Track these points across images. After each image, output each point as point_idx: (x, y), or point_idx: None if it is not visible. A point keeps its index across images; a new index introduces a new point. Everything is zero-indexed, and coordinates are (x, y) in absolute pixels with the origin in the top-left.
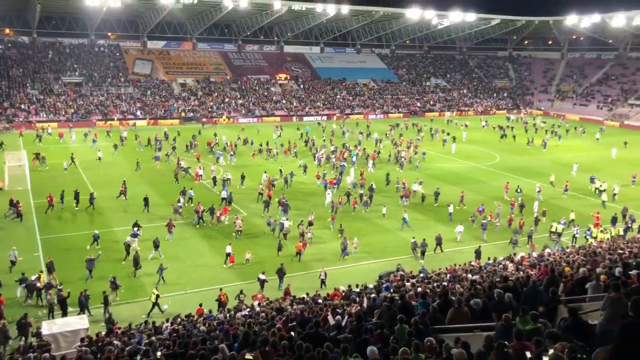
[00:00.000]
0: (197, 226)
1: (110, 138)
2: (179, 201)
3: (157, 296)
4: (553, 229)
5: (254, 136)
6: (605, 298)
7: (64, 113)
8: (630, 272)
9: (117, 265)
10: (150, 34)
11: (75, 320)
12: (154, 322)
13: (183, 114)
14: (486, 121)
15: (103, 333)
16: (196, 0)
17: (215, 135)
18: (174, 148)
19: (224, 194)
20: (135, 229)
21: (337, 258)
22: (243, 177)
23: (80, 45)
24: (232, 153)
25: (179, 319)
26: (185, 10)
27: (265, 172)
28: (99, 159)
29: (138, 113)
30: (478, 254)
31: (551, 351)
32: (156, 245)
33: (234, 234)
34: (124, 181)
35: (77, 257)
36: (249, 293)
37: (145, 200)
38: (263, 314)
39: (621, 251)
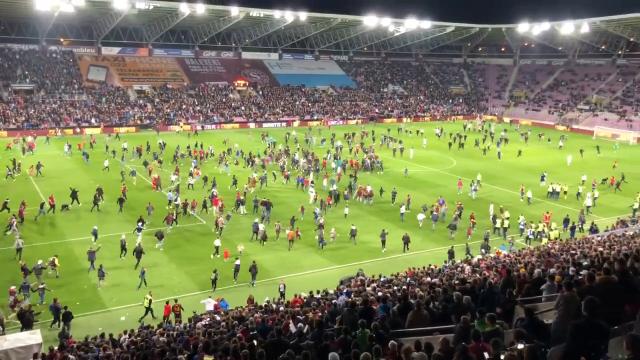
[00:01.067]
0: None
1: (93, 148)
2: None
3: (150, 301)
4: (497, 225)
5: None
6: (559, 297)
7: (14, 121)
8: (581, 272)
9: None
10: (105, 40)
11: (27, 336)
12: (111, 335)
13: (139, 122)
14: (441, 129)
15: (56, 348)
16: (152, 6)
17: (196, 145)
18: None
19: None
20: (140, 223)
21: (296, 266)
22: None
23: (31, 51)
24: (220, 161)
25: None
26: (140, 16)
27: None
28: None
29: (93, 120)
30: (451, 254)
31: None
32: (160, 237)
33: (214, 229)
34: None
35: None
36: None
37: (120, 200)
38: (224, 323)
39: (573, 251)
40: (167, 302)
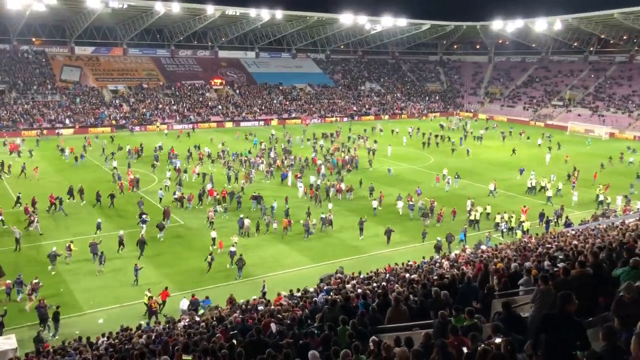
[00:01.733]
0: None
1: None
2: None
3: (150, 297)
4: (472, 217)
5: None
6: (535, 290)
7: None
8: (557, 265)
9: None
10: (78, 40)
11: (1, 341)
12: (88, 338)
13: (115, 122)
14: (417, 128)
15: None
16: (126, 5)
17: (196, 147)
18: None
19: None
20: (144, 215)
21: (277, 264)
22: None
23: (2, 51)
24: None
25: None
26: (114, 15)
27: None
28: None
29: (67, 121)
30: (438, 248)
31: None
32: (161, 228)
33: (206, 221)
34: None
35: None
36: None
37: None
38: (203, 324)
39: (549, 245)
40: (166, 288)
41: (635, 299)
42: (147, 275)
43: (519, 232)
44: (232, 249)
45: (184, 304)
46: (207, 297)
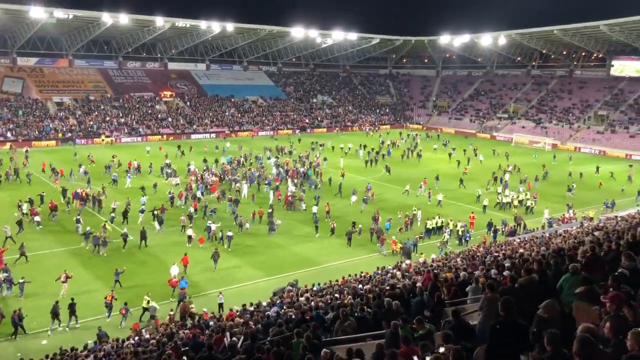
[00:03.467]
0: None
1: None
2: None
3: (149, 301)
4: (429, 226)
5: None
6: (482, 298)
7: None
8: (504, 273)
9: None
10: (21, 50)
11: None
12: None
13: (60, 135)
14: (364, 145)
15: None
16: (71, 15)
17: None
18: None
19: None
20: (143, 205)
21: (230, 279)
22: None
23: None
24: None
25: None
26: (60, 26)
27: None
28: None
29: (9, 134)
30: (407, 253)
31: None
32: (160, 222)
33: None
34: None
35: None
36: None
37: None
38: (153, 341)
39: (496, 254)
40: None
41: (554, 318)
42: (99, 294)
43: (465, 241)
44: (229, 233)
45: (175, 269)
46: (183, 278)
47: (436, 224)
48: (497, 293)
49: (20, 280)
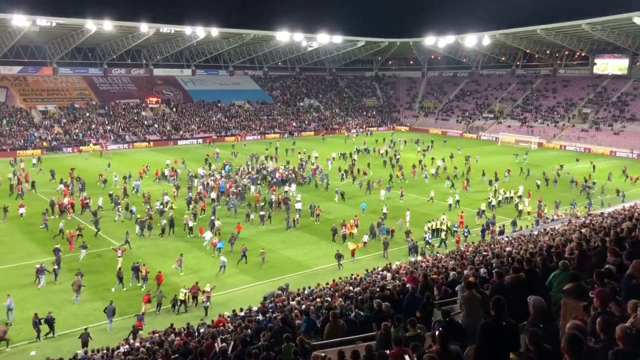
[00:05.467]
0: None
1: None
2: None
3: (185, 294)
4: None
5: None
6: (460, 297)
7: None
8: (493, 271)
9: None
10: (4, 59)
11: None
12: None
13: (45, 144)
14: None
15: None
16: (54, 23)
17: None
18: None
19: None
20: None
21: (220, 284)
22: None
23: None
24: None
25: None
26: (43, 34)
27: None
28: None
29: None
30: (414, 249)
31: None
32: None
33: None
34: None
35: None
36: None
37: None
38: (143, 349)
39: (485, 253)
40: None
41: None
42: (83, 304)
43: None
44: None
45: (208, 235)
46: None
47: (435, 225)
48: (473, 292)
49: (55, 267)
